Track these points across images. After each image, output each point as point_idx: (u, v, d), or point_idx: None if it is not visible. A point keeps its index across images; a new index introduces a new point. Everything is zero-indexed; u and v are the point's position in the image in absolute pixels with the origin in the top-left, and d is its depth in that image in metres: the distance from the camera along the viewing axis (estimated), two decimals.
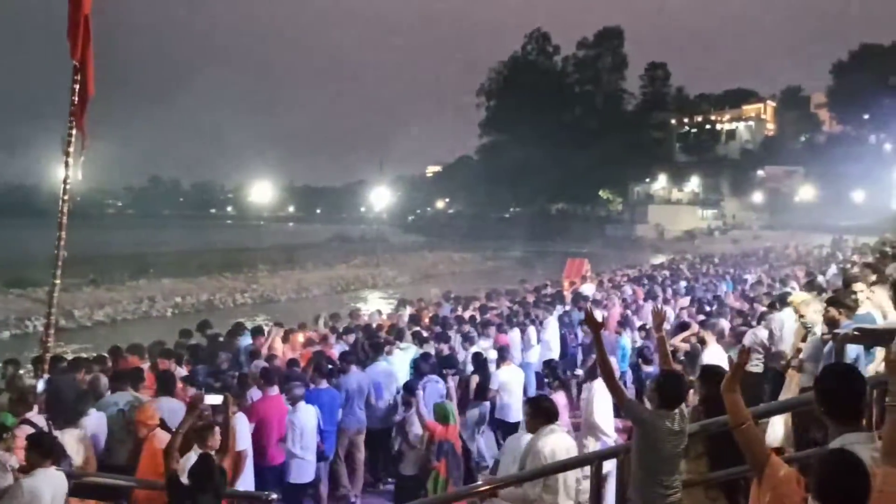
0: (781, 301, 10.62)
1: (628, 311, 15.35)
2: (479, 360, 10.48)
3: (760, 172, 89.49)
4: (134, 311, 30.76)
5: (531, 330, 13.16)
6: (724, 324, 12.03)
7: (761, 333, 9.90)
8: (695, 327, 10.91)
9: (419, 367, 9.69)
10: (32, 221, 49.02)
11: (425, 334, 11.95)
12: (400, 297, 21.36)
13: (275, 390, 8.41)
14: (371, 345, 10.82)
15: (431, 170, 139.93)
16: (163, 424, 7.00)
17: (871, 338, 5.82)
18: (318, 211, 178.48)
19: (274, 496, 5.67)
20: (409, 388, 8.66)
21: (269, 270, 44.89)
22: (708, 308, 14.83)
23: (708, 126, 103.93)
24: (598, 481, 5.26)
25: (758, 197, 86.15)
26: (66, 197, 7.05)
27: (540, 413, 5.97)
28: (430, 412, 8.13)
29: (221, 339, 12.11)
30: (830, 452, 2.89)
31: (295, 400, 8.27)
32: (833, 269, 19.85)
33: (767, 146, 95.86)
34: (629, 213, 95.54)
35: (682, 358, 9.33)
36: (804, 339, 7.88)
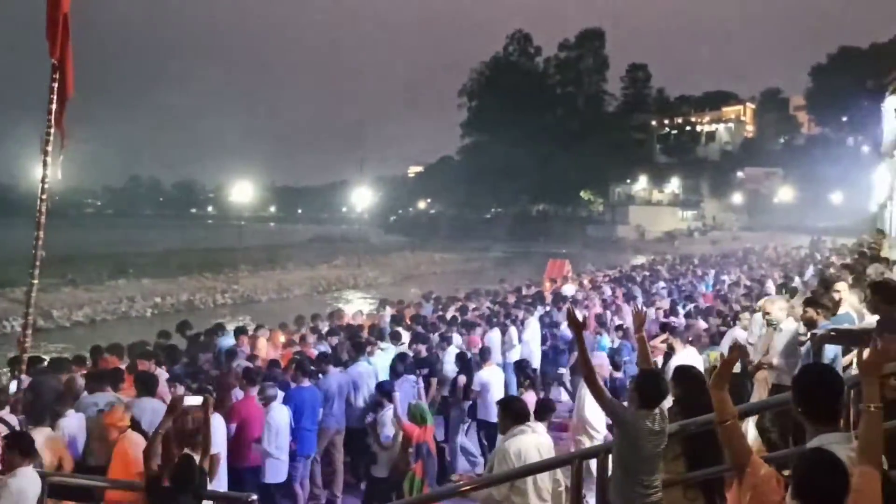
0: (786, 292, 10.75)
1: (608, 312, 15.42)
2: (465, 361, 10.50)
3: (740, 174, 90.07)
4: (113, 312, 30.54)
5: (512, 330, 13.18)
6: (701, 325, 12.14)
7: (739, 334, 9.97)
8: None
9: (395, 368, 9.68)
10: (10, 221, 48.58)
11: (406, 334, 11.95)
12: (381, 298, 21.34)
13: (256, 391, 8.39)
14: (353, 344, 10.82)
15: (413, 170, 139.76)
16: (135, 426, 6.95)
17: (847, 338, 5.87)
18: (300, 211, 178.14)
19: (254, 497, 5.64)
20: (382, 389, 8.59)
21: (250, 271, 44.73)
22: (682, 310, 14.95)
23: (688, 128, 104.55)
24: (578, 481, 5.27)
25: (737, 198, 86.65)
26: (44, 196, 6.97)
27: (509, 414, 5.99)
28: (405, 412, 8.12)
29: (202, 339, 12.07)
30: (809, 451, 2.91)
31: (268, 400, 8.23)
32: (811, 271, 20.05)
33: (747, 148, 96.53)
34: (610, 214, 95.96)
35: (656, 360, 9.37)
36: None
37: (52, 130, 7.02)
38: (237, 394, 8.69)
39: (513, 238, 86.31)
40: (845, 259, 16.11)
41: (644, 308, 11.98)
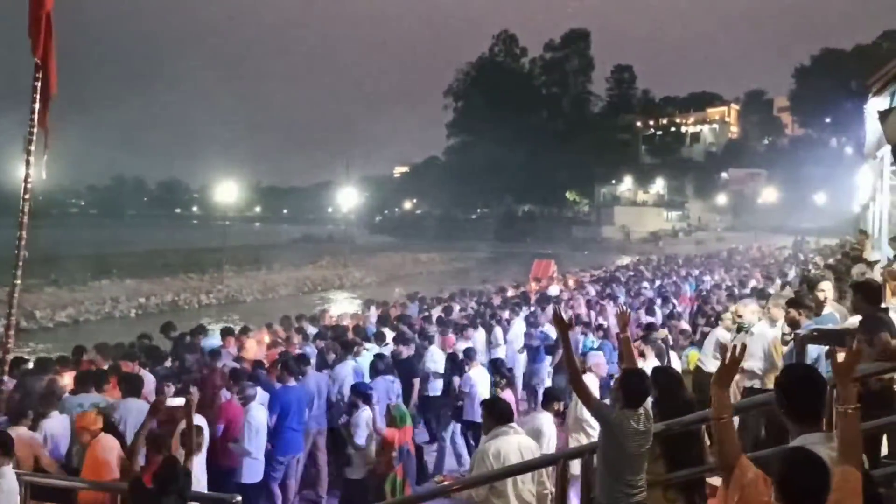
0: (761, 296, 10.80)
1: (591, 312, 15.45)
2: (456, 362, 10.49)
3: (724, 175, 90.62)
4: (97, 312, 30.38)
5: (497, 330, 13.19)
6: (682, 326, 12.21)
7: (721, 335, 9.99)
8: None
9: (375, 367, 9.59)
10: None
11: (390, 334, 11.93)
12: (367, 299, 21.33)
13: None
14: (341, 344, 10.81)
15: (399, 170, 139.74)
16: (109, 429, 6.90)
17: (830, 339, 5.91)
18: (285, 211, 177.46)
19: (238, 498, 5.62)
20: (357, 391, 8.36)
21: (235, 271, 44.60)
22: (659, 311, 15.01)
23: (673, 129, 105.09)
24: (563, 481, 5.27)
25: (721, 199, 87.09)
26: (27, 196, 6.93)
27: (492, 414, 5.99)
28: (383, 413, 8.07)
29: (188, 340, 12.03)
30: (791, 450, 2.93)
31: (247, 400, 8.17)
32: (793, 272, 20.16)
33: (731, 149, 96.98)
34: (595, 215, 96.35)
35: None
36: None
37: (35, 130, 6.99)
38: (226, 395, 8.65)
39: (498, 238, 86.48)
40: (828, 259, 16.20)
41: (628, 308, 12.01)
